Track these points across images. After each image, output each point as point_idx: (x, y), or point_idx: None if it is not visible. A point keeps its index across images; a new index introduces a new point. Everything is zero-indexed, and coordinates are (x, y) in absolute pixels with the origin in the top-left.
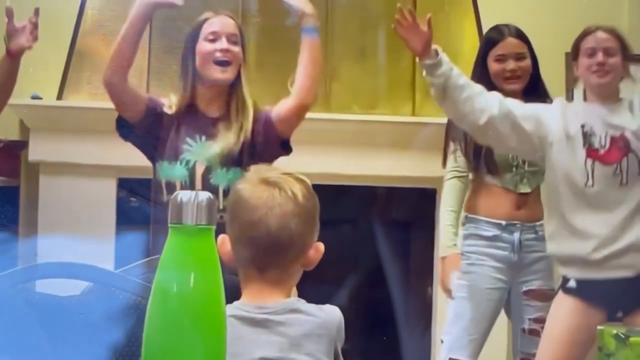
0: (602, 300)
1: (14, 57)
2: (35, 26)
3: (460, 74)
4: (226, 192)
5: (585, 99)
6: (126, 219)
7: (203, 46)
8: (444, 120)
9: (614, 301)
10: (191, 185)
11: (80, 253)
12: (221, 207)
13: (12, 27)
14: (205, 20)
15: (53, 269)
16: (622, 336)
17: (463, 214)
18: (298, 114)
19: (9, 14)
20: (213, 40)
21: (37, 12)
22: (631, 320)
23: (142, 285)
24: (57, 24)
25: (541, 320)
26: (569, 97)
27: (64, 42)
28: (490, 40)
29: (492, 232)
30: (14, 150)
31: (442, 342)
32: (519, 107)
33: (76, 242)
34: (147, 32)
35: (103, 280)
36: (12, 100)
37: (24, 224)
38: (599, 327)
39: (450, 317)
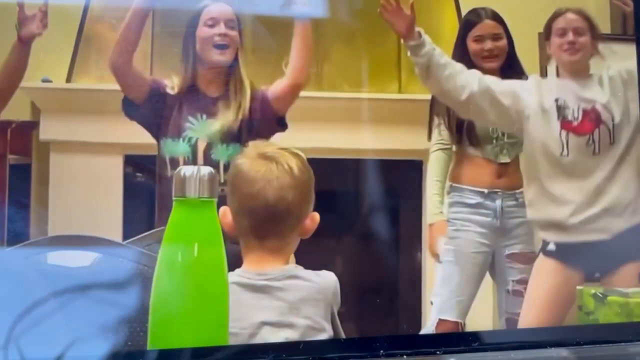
0: (580, 262)
1: (25, 43)
2: (44, 14)
3: (442, 54)
4: (226, 167)
5: (557, 75)
6: (132, 193)
7: (202, 31)
8: (428, 97)
9: (592, 262)
10: (194, 161)
11: (90, 226)
12: (222, 180)
13: (23, 15)
14: (204, 7)
15: (64, 241)
16: (600, 295)
17: (448, 183)
18: (292, 93)
19: (20, 3)
20: (212, 26)
21: (46, 1)
22: (608, 280)
23: (149, 256)
24: (65, 12)
25: (524, 282)
26: (543, 73)
27: (73, 29)
28: (468, 22)
29: (475, 199)
30: (26, 130)
31: (431, 303)
32: (497, 84)
33: (85, 215)
34: (150, 18)
35: (111, 252)
36: (23, 84)
37: (35, 199)
38: (578, 287)
39: (439, 280)
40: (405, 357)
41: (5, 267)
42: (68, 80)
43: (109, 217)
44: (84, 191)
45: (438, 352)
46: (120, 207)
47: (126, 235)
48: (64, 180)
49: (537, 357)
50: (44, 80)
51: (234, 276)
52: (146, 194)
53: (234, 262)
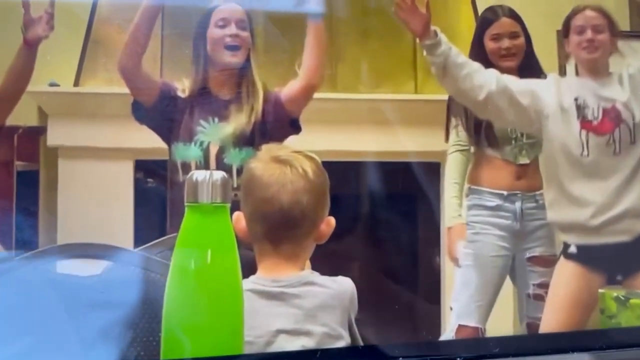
0: (601, 264)
1: (31, 46)
2: (51, 16)
3: (458, 53)
4: (239, 171)
5: (577, 73)
6: (144, 199)
7: (213, 32)
8: (445, 97)
9: (613, 265)
10: (206, 165)
11: (100, 233)
12: (235, 185)
13: (28, 17)
14: (215, 7)
15: (73, 250)
16: (623, 298)
17: (466, 185)
18: (306, 94)
19: (26, 5)
20: (223, 27)
21: (52, 2)
22: (630, 282)
23: (161, 263)
24: (72, 14)
25: (545, 285)
26: (562, 72)
27: (80, 31)
28: (485, 20)
29: (494, 202)
30: (33, 136)
31: (451, 309)
32: (515, 83)
33: (95, 223)
34: (159, 19)
35: (123, 259)
36: (30, 88)
37: (44, 207)
38: (600, 290)
39: (458, 284)
40: None
41: (13, 276)
42: (76, 84)
43: (119, 224)
44: (94, 198)
45: (458, 359)
46: (131, 213)
47: (137, 242)
48: (73, 187)
49: None
50: (51, 84)
51: (248, 283)
52: (157, 200)
53: (248, 269)
